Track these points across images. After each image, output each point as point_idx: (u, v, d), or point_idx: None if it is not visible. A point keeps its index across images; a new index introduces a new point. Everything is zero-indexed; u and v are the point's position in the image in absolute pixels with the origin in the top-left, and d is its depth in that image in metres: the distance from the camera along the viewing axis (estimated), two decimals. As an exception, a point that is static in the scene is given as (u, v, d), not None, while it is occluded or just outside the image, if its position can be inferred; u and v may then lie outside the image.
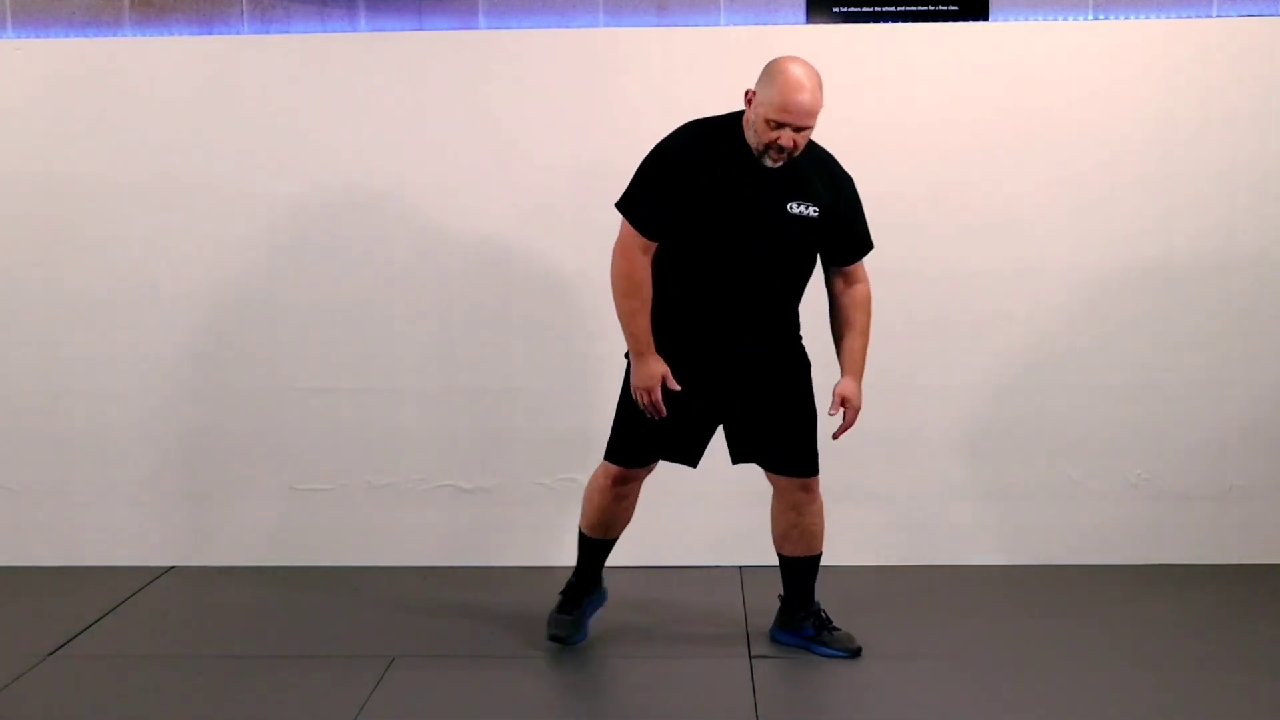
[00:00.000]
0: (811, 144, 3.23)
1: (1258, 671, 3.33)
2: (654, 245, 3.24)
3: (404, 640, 3.61)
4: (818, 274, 3.39)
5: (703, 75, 4.00)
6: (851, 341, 3.35)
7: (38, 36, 4.22)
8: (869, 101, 4.07)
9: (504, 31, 4.15)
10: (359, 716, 3.11)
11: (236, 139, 4.16)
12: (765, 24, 4.13)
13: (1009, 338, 4.14)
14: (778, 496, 3.46)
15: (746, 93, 3.17)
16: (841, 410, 3.34)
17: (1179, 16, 4.09)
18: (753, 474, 3.47)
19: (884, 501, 4.19)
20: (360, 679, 3.32)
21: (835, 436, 3.37)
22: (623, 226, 3.25)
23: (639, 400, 3.25)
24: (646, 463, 3.44)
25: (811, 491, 3.41)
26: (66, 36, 4.21)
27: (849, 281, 3.37)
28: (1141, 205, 4.09)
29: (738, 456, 3.44)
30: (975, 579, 4.06)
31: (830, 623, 3.48)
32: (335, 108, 4.15)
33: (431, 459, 4.25)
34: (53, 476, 4.29)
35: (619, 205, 3.26)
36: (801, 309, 3.38)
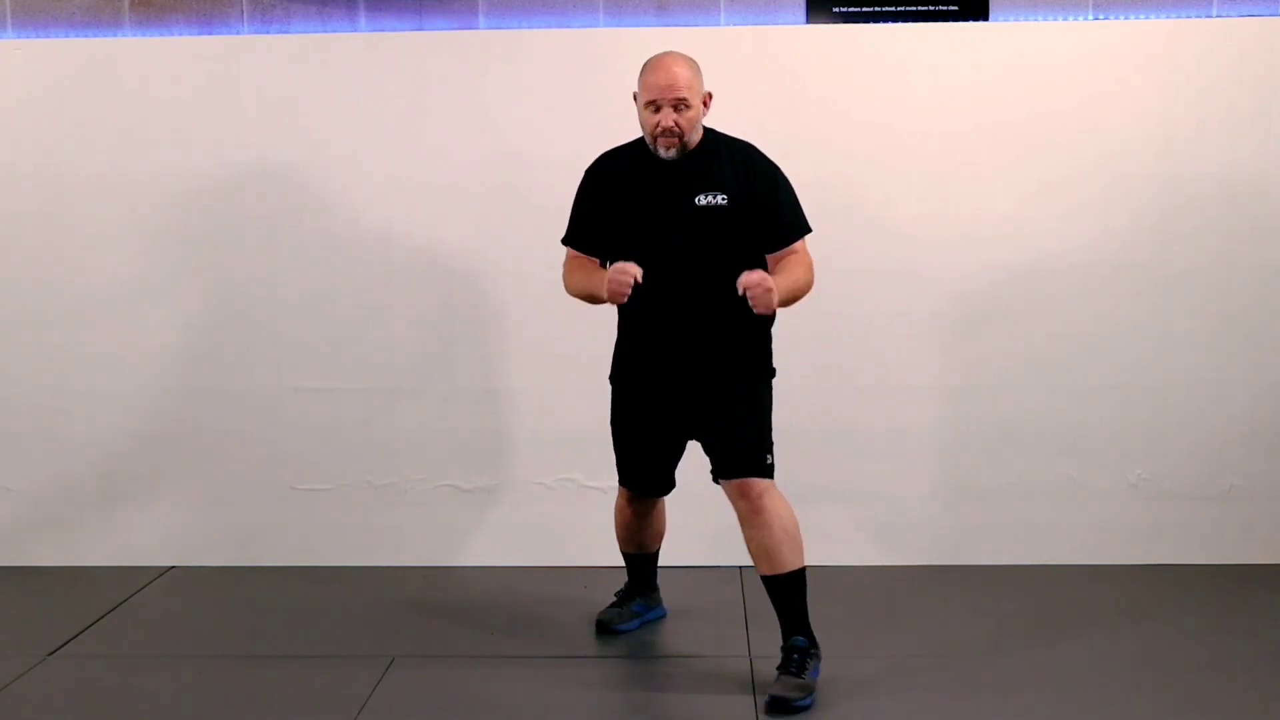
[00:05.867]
0: (732, 139, 3.26)
1: (1258, 672, 3.33)
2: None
3: (404, 640, 3.61)
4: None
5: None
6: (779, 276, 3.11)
7: (38, 36, 4.22)
8: (869, 101, 4.08)
9: (504, 31, 4.15)
10: (359, 716, 3.11)
11: (236, 139, 4.16)
12: (765, 24, 4.13)
13: (1007, 338, 4.14)
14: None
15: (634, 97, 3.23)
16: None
17: (1179, 16, 4.09)
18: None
19: (882, 501, 4.19)
20: (360, 679, 3.32)
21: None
22: None
23: (615, 290, 3.07)
24: (641, 489, 3.49)
25: (751, 500, 3.19)
26: (66, 36, 4.21)
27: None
28: (1141, 205, 4.09)
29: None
30: (975, 579, 4.06)
31: (793, 667, 3.16)
32: (335, 108, 4.15)
33: (431, 459, 4.25)
34: (53, 476, 4.29)
35: None
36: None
